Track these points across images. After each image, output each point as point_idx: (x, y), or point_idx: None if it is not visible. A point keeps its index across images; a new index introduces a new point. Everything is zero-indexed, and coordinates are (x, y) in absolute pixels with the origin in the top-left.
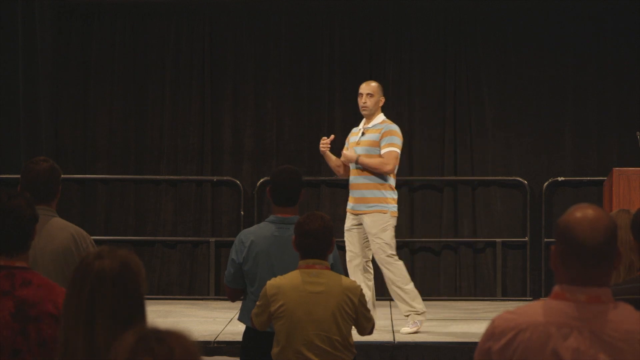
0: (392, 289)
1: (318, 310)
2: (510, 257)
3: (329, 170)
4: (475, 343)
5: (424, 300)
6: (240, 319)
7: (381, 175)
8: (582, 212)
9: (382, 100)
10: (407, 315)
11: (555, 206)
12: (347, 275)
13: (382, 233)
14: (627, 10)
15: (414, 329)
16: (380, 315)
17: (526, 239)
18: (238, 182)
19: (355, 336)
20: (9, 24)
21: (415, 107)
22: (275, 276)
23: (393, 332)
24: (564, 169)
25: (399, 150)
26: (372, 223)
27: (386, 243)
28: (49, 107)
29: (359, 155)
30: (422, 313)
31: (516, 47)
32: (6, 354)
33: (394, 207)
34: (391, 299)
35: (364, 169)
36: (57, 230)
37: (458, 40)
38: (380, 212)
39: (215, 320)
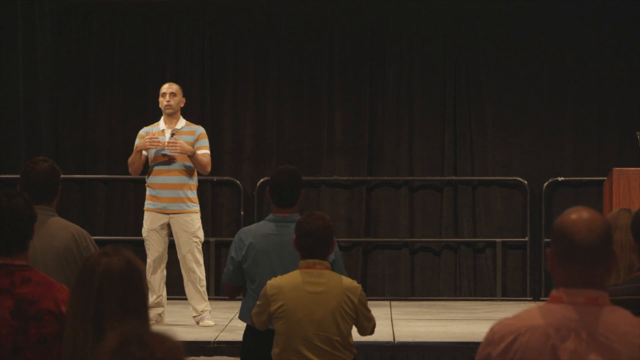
0: (197, 287)
1: (318, 311)
2: (510, 257)
3: (329, 170)
4: (475, 343)
5: (424, 300)
6: (240, 317)
7: (190, 176)
8: (578, 214)
9: (184, 101)
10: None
11: (555, 206)
12: (347, 273)
13: (199, 231)
14: (627, 10)
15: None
16: (381, 315)
17: (526, 239)
18: (238, 182)
19: (356, 336)
20: (9, 24)
21: (415, 107)
22: (275, 274)
23: (393, 332)
24: (564, 169)
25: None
26: (191, 222)
27: (201, 241)
28: (49, 107)
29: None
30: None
31: (516, 47)
32: (6, 352)
33: (197, 206)
34: (391, 299)
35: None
36: (57, 230)
37: (458, 40)
38: (195, 212)
39: (215, 320)
